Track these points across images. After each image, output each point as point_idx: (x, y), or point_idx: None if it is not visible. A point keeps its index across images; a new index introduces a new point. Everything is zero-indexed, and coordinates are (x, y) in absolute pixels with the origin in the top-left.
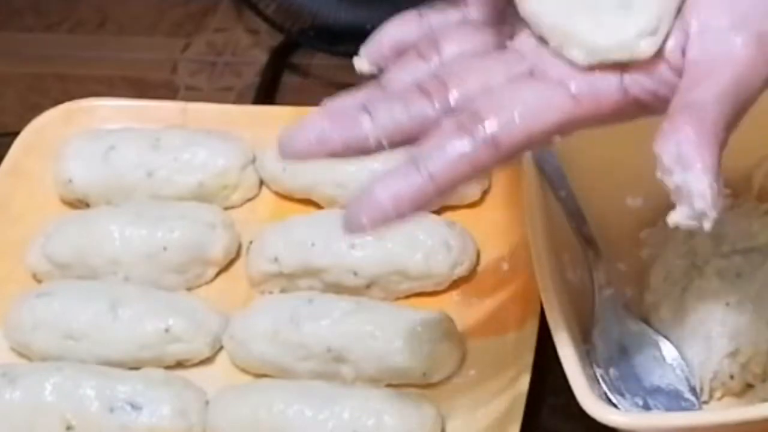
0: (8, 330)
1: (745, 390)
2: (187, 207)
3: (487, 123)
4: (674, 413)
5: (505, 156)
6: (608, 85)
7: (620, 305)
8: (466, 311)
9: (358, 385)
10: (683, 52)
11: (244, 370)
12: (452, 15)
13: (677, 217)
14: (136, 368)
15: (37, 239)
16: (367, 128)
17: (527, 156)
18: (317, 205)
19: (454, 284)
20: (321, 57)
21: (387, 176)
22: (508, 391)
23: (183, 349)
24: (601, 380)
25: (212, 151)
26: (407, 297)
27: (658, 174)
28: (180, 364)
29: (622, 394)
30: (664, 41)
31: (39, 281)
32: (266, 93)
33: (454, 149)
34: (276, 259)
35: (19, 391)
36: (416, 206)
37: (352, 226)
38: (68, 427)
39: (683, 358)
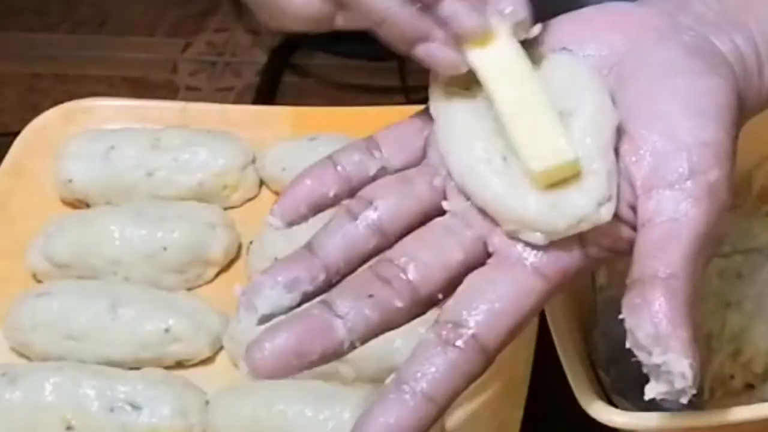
0: (8, 330)
1: (746, 390)
2: (187, 207)
3: (472, 331)
4: (674, 413)
5: (493, 358)
6: (571, 256)
7: (621, 305)
8: None
9: (358, 385)
10: (631, 206)
11: None
12: (370, 163)
13: (655, 393)
14: (136, 368)
15: (37, 239)
16: (342, 334)
17: None
18: None
19: None
20: (321, 57)
21: (381, 405)
22: (508, 390)
23: (183, 349)
24: (601, 381)
25: (212, 151)
26: None
27: (630, 345)
28: (180, 364)
29: (623, 395)
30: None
31: (39, 281)
32: (266, 93)
33: (445, 366)
34: (276, 259)
35: (19, 391)
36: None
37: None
38: (68, 427)
39: None
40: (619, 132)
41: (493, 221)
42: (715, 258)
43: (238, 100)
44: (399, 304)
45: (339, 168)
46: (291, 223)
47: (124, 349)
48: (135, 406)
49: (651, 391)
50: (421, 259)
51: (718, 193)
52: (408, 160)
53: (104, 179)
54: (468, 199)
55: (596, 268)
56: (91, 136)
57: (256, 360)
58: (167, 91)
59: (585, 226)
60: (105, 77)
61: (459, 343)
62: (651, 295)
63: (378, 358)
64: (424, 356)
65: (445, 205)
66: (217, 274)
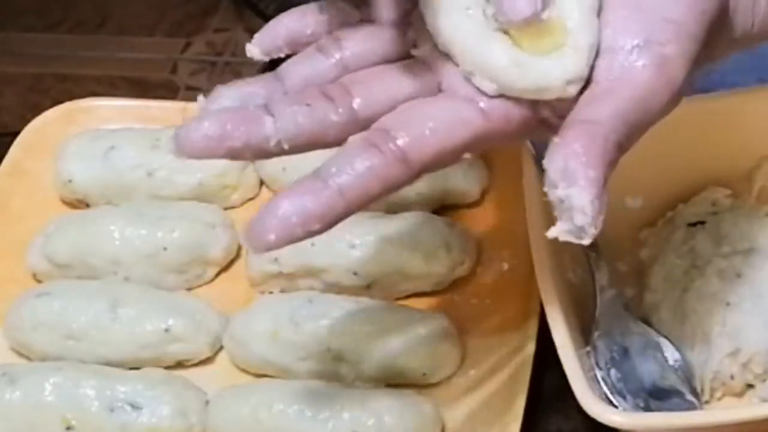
0: (8, 330)
1: (746, 390)
2: (187, 207)
3: (397, 140)
4: (674, 413)
5: (416, 172)
6: (520, 107)
7: (622, 306)
8: (466, 311)
9: (358, 385)
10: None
11: (244, 370)
12: (353, 14)
13: (556, 231)
14: (136, 368)
15: (37, 239)
16: (269, 130)
17: (527, 155)
18: None
19: (454, 284)
20: None
21: (294, 191)
22: (508, 391)
23: (183, 349)
24: (602, 382)
25: None
26: (407, 297)
27: (544, 187)
28: (180, 364)
29: (623, 396)
30: None
31: (39, 281)
32: None
33: (363, 165)
34: (276, 259)
35: (19, 391)
36: (324, 223)
37: (258, 243)
38: (68, 427)
39: (683, 358)
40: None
41: (454, 66)
42: (715, 258)
43: None
44: (334, 117)
45: (323, 12)
46: (268, 54)
47: (124, 349)
48: (135, 406)
49: (554, 230)
50: (369, 87)
51: (669, 67)
52: (395, 17)
53: (104, 179)
54: (436, 46)
55: (541, 135)
56: (91, 136)
57: (181, 138)
58: (167, 91)
59: (545, 96)
60: (105, 77)
61: (383, 148)
62: (569, 134)
63: (378, 358)
64: (347, 154)
65: (413, 51)
66: (217, 274)
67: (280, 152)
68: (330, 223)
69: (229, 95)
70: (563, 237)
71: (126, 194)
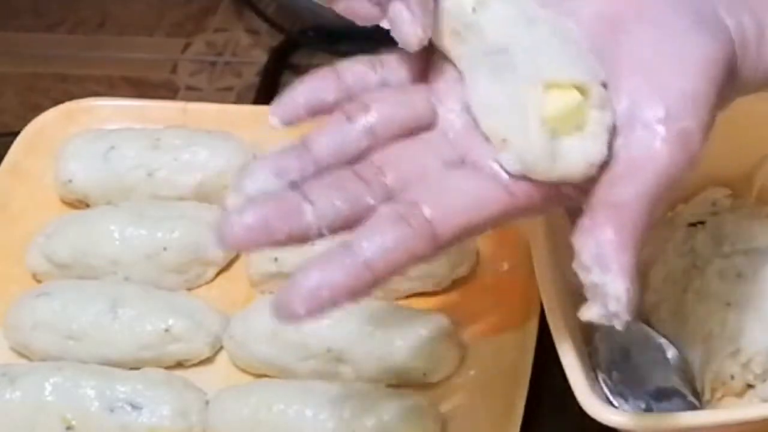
0: (8, 330)
1: (746, 390)
2: (187, 207)
3: (425, 213)
4: (674, 413)
5: (442, 246)
6: (543, 185)
7: None
8: (466, 311)
9: (358, 385)
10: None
11: (244, 370)
12: (371, 77)
13: (590, 314)
14: (136, 368)
15: (37, 239)
16: (310, 219)
17: None
18: None
19: (454, 284)
20: (321, 57)
21: (322, 263)
22: (508, 391)
23: (183, 349)
24: (603, 383)
25: (212, 151)
26: (407, 297)
27: (574, 266)
28: (180, 364)
29: (624, 398)
30: None
31: (39, 281)
32: (266, 93)
33: (391, 238)
34: (276, 259)
35: (19, 391)
36: (352, 295)
37: (286, 314)
38: (68, 427)
39: (684, 358)
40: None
41: (478, 139)
42: (715, 258)
43: (238, 100)
44: (370, 201)
45: (341, 77)
46: (289, 123)
47: (124, 349)
48: (135, 406)
49: (586, 312)
50: (399, 165)
51: (689, 141)
52: (410, 77)
53: (104, 179)
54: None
55: (562, 206)
56: (91, 136)
57: (224, 230)
58: (167, 91)
59: (568, 181)
60: (105, 77)
61: (412, 221)
62: (600, 218)
63: (378, 358)
64: (375, 226)
65: (437, 120)
66: (217, 274)
67: (319, 237)
68: (358, 295)
69: (264, 173)
70: (597, 320)
71: (126, 194)
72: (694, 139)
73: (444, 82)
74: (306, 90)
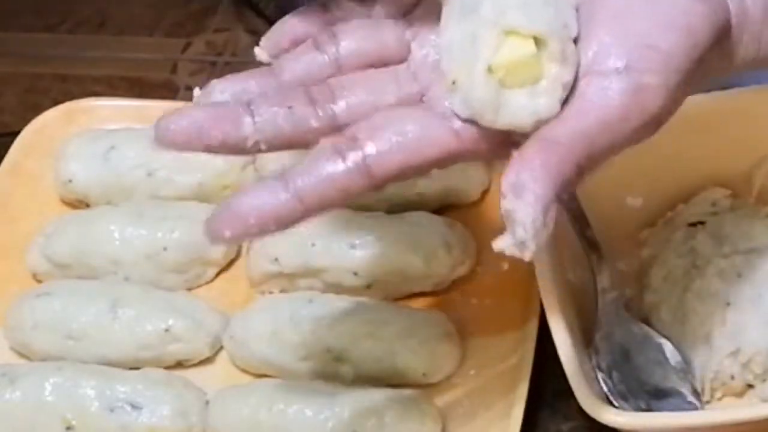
0: (8, 330)
1: (746, 390)
2: (187, 207)
3: (363, 150)
4: (674, 413)
5: (378, 184)
6: (492, 133)
7: (623, 308)
8: (466, 311)
9: (358, 385)
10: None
11: (244, 370)
12: (357, 12)
13: (501, 243)
14: (136, 368)
15: (37, 239)
16: (248, 130)
17: None
18: None
19: (454, 284)
20: None
21: (255, 190)
22: (508, 391)
23: (183, 349)
24: (603, 384)
25: None
26: (407, 297)
27: (501, 202)
28: (180, 364)
29: (624, 398)
30: None
31: (39, 281)
32: None
33: (325, 172)
34: (276, 259)
35: (19, 391)
36: (280, 223)
37: (214, 236)
38: (68, 427)
39: (683, 358)
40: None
41: (439, 79)
42: (715, 258)
43: None
44: (314, 123)
45: (326, 11)
46: (276, 57)
47: (124, 349)
48: (135, 406)
49: (499, 241)
50: (353, 93)
51: (646, 96)
52: (396, 12)
53: (104, 179)
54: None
55: (508, 155)
56: (91, 136)
57: (160, 129)
58: (167, 91)
59: (516, 131)
60: (105, 77)
61: (349, 156)
62: (528, 150)
63: (378, 358)
64: (313, 159)
65: (408, 57)
66: (217, 274)
67: (258, 151)
68: (286, 225)
69: (221, 89)
70: (507, 251)
71: (126, 194)
72: (651, 95)
73: (425, 19)
74: (293, 23)
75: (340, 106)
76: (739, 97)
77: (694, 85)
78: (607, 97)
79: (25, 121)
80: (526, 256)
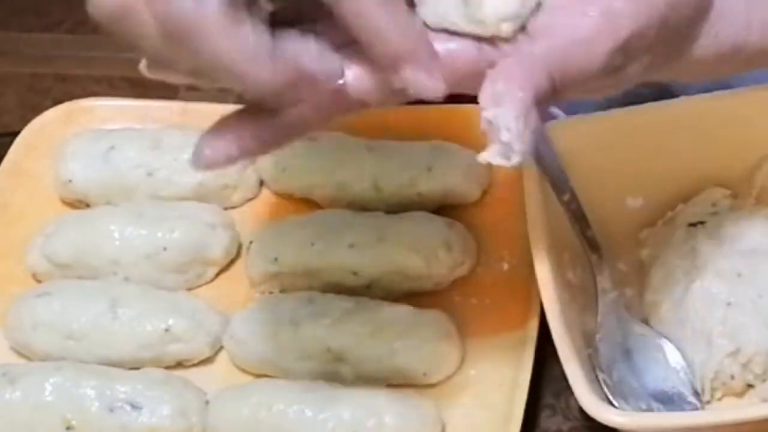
0: (8, 330)
1: (746, 390)
2: (187, 207)
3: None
4: (674, 413)
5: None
6: (464, 46)
7: (623, 308)
8: (466, 311)
9: (358, 385)
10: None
11: (244, 370)
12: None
13: (487, 155)
14: (136, 368)
15: (37, 239)
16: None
17: (528, 156)
18: (317, 205)
19: (454, 284)
20: None
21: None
22: (508, 391)
23: (183, 349)
24: (603, 384)
25: None
26: (407, 297)
27: (481, 116)
28: (180, 364)
29: (624, 398)
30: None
31: (39, 281)
32: None
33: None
34: (276, 259)
35: (19, 391)
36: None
37: (198, 162)
38: (68, 427)
39: (683, 358)
40: None
41: None
42: (715, 258)
43: (238, 100)
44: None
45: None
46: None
47: (124, 349)
48: (135, 406)
49: (484, 154)
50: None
51: (615, 18)
52: None
53: (104, 179)
54: None
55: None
56: (91, 136)
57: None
58: (167, 91)
59: (481, 32)
60: (105, 77)
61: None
62: (503, 67)
63: (378, 358)
64: None
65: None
66: (217, 274)
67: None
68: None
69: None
70: (494, 160)
71: (126, 194)
72: (622, 24)
73: None
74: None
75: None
76: (740, 98)
77: (672, 47)
78: (578, 17)
79: (25, 121)
80: (514, 161)
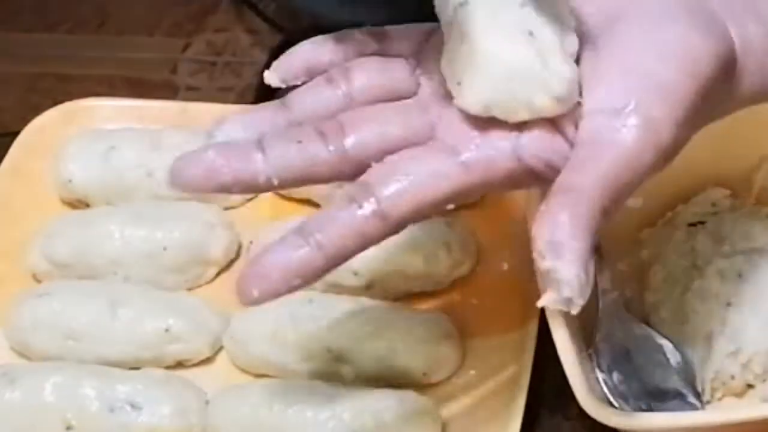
0: (8, 330)
1: (746, 390)
2: (187, 207)
3: (375, 195)
4: (673, 413)
5: (394, 227)
6: (500, 153)
7: (623, 309)
8: (466, 311)
9: (358, 385)
10: (575, 124)
11: (244, 370)
12: (370, 46)
13: (545, 301)
14: (136, 368)
15: (37, 239)
16: (259, 167)
17: None
18: (317, 205)
19: (454, 284)
20: None
21: (276, 247)
22: (508, 391)
23: (183, 349)
24: (604, 385)
25: None
26: (407, 297)
27: (534, 254)
28: (180, 364)
29: (625, 399)
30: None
31: (39, 281)
32: (266, 93)
33: (341, 221)
34: None
35: (19, 391)
36: (304, 278)
37: (245, 299)
38: (68, 427)
39: (683, 358)
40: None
41: (448, 108)
42: (715, 258)
43: (238, 100)
44: (324, 155)
45: (340, 42)
46: (285, 82)
47: (124, 349)
48: (135, 406)
49: (544, 299)
50: (363, 127)
51: (656, 129)
52: (409, 50)
53: (104, 179)
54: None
55: (529, 184)
56: (91, 136)
57: (174, 173)
58: (167, 91)
59: (531, 115)
60: (105, 77)
61: (362, 204)
62: (555, 204)
63: (378, 358)
64: (329, 210)
65: (418, 90)
66: (217, 274)
67: (271, 188)
68: (310, 278)
69: (234, 125)
70: (552, 306)
71: (126, 194)
72: (663, 131)
73: (433, 55)
74: (305, 51)
75: (350, 141)
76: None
77: (701, 120)
78: (620, 135)
79: (25, 121)
80: (574, 311)
